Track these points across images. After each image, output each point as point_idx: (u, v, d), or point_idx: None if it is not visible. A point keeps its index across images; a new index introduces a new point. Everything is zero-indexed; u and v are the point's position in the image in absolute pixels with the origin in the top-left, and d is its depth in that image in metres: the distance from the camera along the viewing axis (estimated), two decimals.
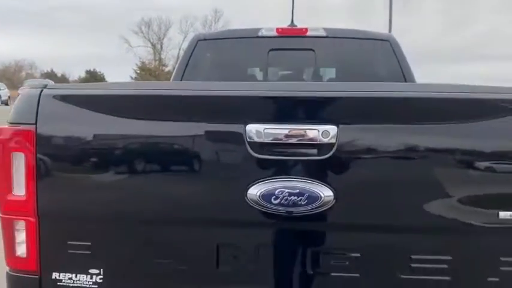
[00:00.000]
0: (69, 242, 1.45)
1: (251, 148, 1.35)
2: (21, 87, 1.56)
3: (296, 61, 3.29)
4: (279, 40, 3.14)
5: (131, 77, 55.39)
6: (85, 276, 1.45)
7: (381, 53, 3.07)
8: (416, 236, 1.39)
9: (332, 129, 1.33)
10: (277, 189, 1.33)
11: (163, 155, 1.46)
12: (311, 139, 1.34)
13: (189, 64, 3.11)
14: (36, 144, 1.42)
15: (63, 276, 1.46)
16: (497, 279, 1.35)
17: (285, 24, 3.33)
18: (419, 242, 1.38)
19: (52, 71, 57.96)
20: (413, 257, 1.37)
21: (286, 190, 1.33)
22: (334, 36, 3.12)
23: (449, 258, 1.36)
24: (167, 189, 1.44)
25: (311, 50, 3.10)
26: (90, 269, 1.45)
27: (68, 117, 1.45)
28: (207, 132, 1.40)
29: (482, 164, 1.33)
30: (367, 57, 3.12)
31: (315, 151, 1.35)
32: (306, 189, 1.33)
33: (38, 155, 1.42)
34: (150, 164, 1.45)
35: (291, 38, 3.16)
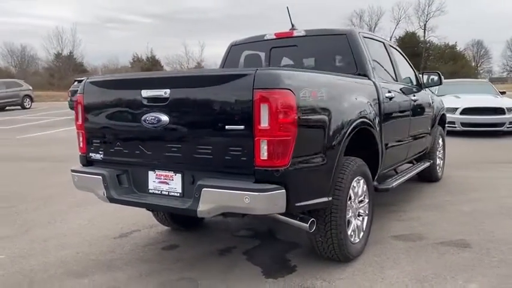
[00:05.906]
0: (93, 140, 3.52)
1: (143, 100, 3.14)
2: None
3: (287, 53, 4.71)
4: (276, 41, 4.65)
5: None
6: (97, 154, 3.49)
7: (339, 43, 4.24)
8: (203, 137, 2.93)
9: (168, 91, 3.00)
10: (148, 116, 3.07)
11: (127, 102, 3.30)
12: (160, 95, 3.03)
13: (227, 59, 4.95)
14: (83, 101, 3.54)
15: (92, 154, 3.53)
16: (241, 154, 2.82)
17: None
18: (202, 138, 2.93)
19: None
20: (200, 146, 2.93)
21: (152, 117, 3.07)
22: (310, 35, 4.45)
23: (211, 147, 2.88)
24: (126, 117, 3.33)
25: (295, 46, 4.52)
26: (99, 151, 3.49)
27: (94, 90, 3.52)
28: (131, 93, 3.24)
29: (218, 103, 2.81)
30: (331, 46, 4.34)
31: (161, 100, 3.03)
32: (158, 116, 3.04)
33: (84, 106, 3.53)
34: (120, 108, 3.37)
35: (284, 39, 4.61)
